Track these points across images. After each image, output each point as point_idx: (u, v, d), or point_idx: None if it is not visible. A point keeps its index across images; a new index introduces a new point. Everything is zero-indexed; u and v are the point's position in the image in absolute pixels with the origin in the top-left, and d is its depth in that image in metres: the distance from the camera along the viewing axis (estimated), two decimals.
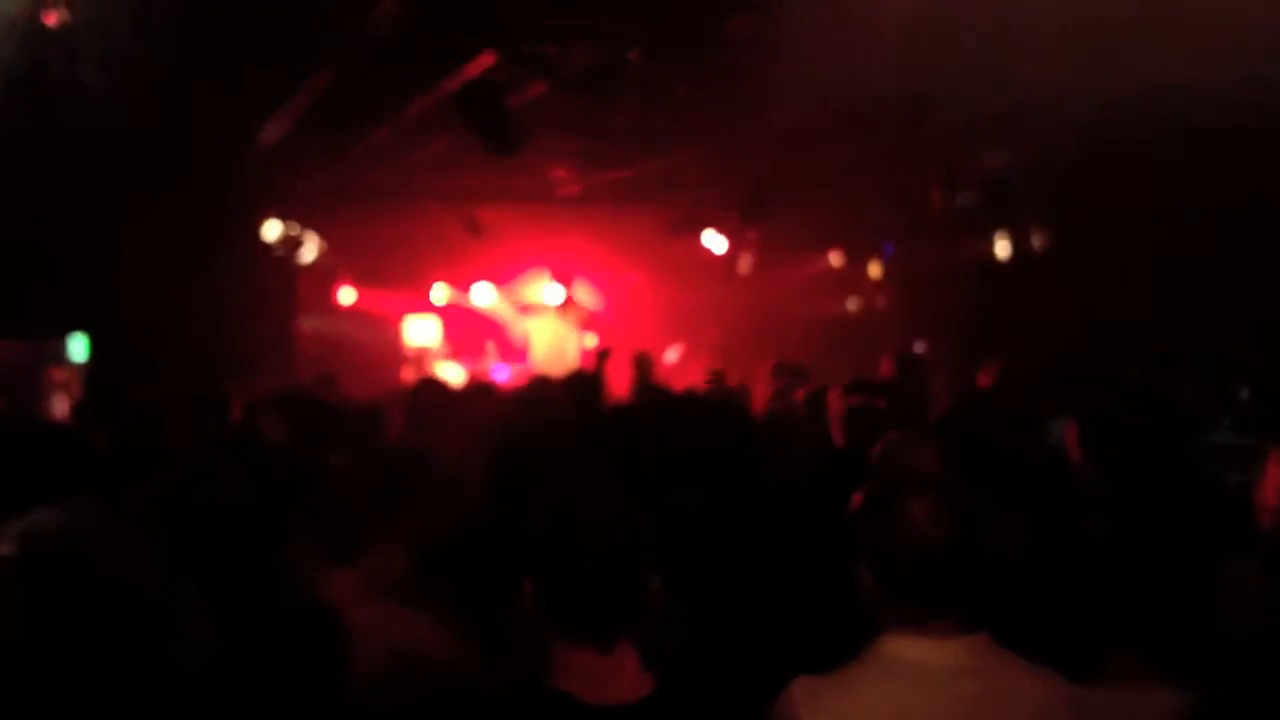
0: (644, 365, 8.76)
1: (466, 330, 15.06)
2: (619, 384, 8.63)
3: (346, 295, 15.44)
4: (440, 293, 15.39)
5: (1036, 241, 11.70)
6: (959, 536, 2.27)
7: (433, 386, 6.12)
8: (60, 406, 9.93)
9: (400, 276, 15.73)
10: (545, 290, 14.40)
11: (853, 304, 15.56)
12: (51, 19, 5.97)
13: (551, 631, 2.08)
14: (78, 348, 11.56)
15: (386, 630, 2.65)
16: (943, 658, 2.24)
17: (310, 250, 12.53)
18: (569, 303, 14.17)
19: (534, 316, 14.38)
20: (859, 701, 2.22)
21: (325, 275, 14.83)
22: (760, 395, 7.66)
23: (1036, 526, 3.32)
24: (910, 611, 2.28)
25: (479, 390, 6.63)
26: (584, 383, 7.03)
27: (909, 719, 2.20)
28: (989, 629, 2.31)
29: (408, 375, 13.38)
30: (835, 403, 5.65)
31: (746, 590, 3.21)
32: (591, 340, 14.30)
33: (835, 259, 15.42)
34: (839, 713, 2.21)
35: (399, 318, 15.66)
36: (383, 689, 2.49)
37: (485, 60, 7.26)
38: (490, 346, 14.86)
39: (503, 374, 13.77)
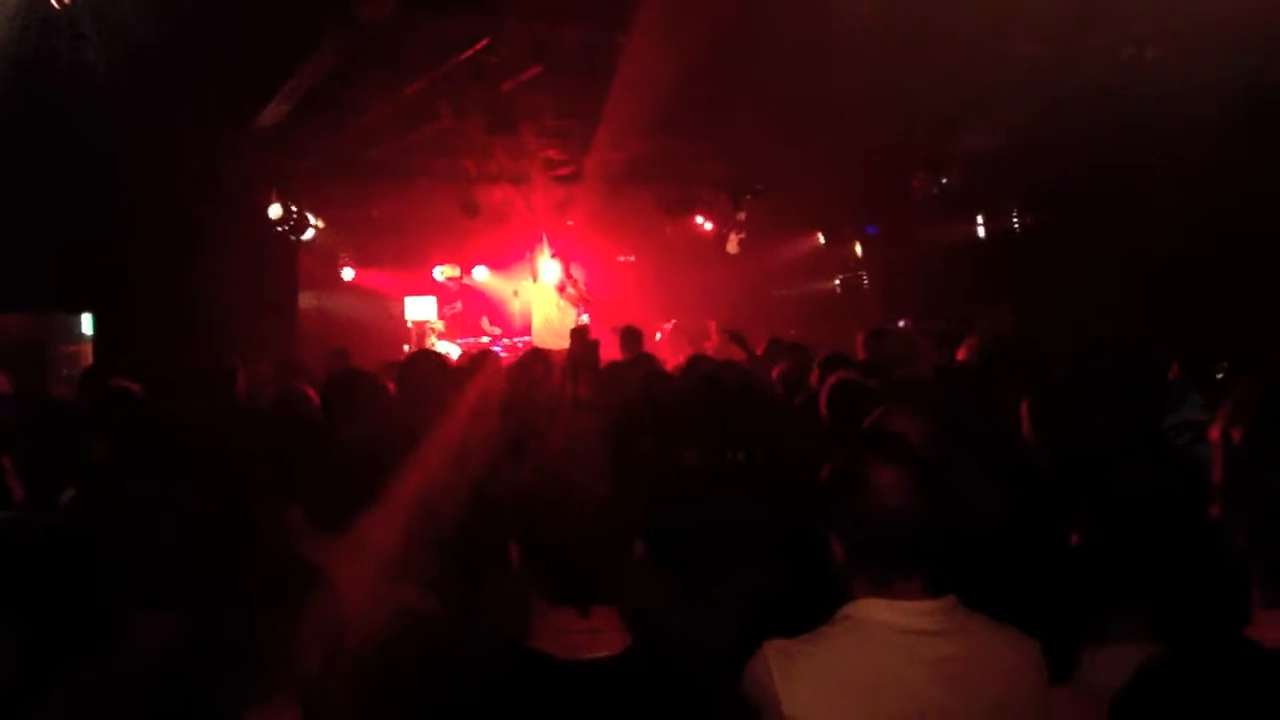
0: (634, 337, 8.92)
1: (465, 307, 15.24)
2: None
3: (347, 273, 15.71)
4: (439, 271, 15.62)
5: (1015, 222, 11.89)
6: (922, 501, 2.31)
7: (424, 359, 6.26)
8: (68, 380, 10.17)
9: (399, 255, 16.00)
10: (542, 267, 14.58)
11: (837, 282, 15.82)
12: (56, 1, 6.04)
13: (533, 591, 2.11)
14: (85, 323, 11.84)
15: (375, 595, 2.63)
16: (912, 620, 2.28)
17: (311, 229, 12.71)
18: (565, 280, 14.36)
19: (531, 293, 14.55)
20: (831, 663, 2.26)
21: (326, 254, 15.08)
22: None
23: (1014, 496, 3.31)
24: (878, 574, 2.32)
25: (475, 361, 6.66)
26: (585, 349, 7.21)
27: (880, 679, 2.23)
28: (965, 592, 2.35)
29: (408, 351, 13.56)
30: (815, 378, 5.91)
31: (730, 554, 3.22)
32: (586, 318, 14.51)
33: (820, 239, 15.68)
34: (811, 674, 2.24)
35: (399, 295, 15.88)
36: (373, 652, 2.46)
37: (479, 44, 7.41)
38: (485, 323, 15.06)
39: (499, 349, 14.00)
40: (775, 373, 6.69)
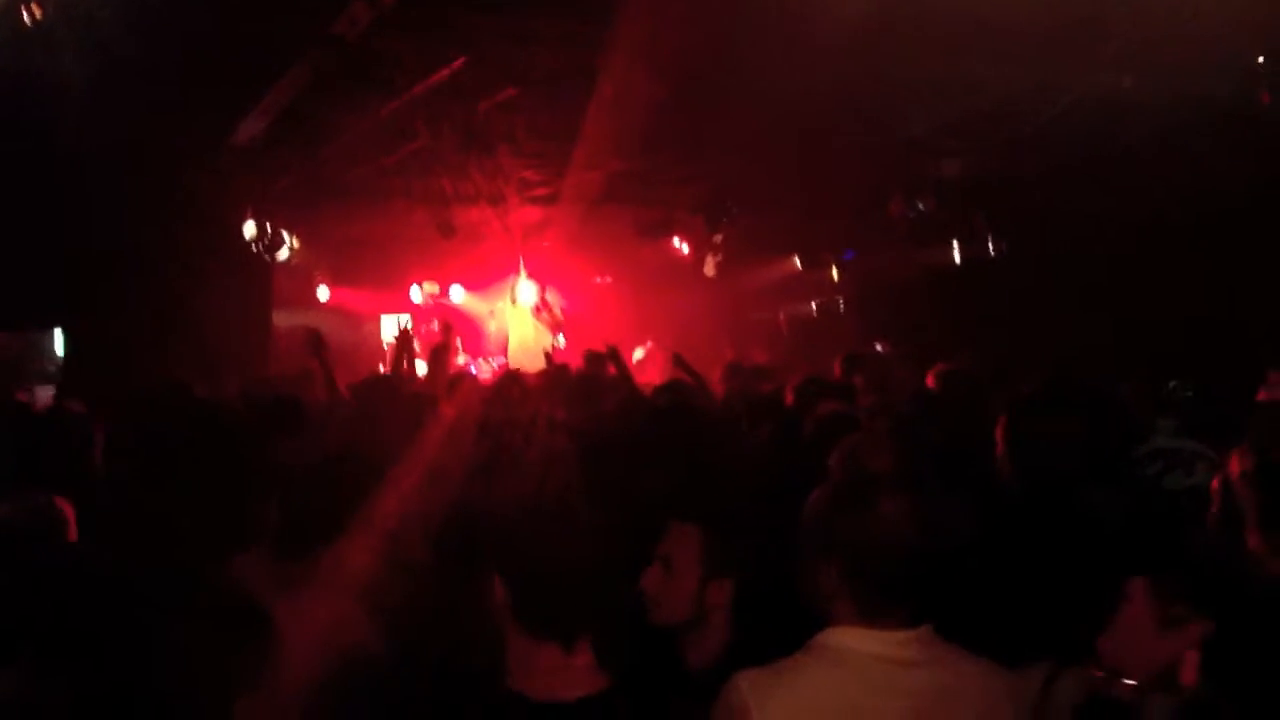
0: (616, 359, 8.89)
1: (440, 327, 15.16)
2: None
3: (322, 292, 15.63)
4: (417, 291, 15.58)
5: (990, 247, 11.95)
6: (926, 535, 2.33)
7: (379, 383, 6.24)
8: (43, 396, 10.07)
9: (375, 275, 15.93)
10: (519, 289, 14.56)
11: (814, 306, 15.87)
12: (30, 15, 6.00)
13: (514, 626, 2.06)
14: (58, 341, 11.73)
15: (330, 628, 2.58)
16: (889, 649, 2.27)
17: (286, 249, 12.64)
18: (541, 302, 14.35)
19: (507, 314, 14.54)
20: (807, 693, 2.23)
21: (301, 273, 14.99)
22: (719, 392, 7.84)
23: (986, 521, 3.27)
24: (871, 602, 2.31)
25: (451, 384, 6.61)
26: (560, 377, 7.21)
27: (857, 709, 2.21)
28: (933, 620, 2.35)
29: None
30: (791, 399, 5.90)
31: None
32: (561, 340, 14.50)
33: (797, 263, 15.73)
34: (787, 704, 2.21)
35: (375, 314, 15.82)
36: (323, 690, 2.41)
37: (455, 64, 7.41)
38: (459, 343, 15.01)
39: (476, 370, 13.96)
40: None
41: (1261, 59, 7.22)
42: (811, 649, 2.32)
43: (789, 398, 6.07)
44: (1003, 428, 3.52)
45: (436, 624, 2.83)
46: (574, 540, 2.04)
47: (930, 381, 7.92)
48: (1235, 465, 3.00)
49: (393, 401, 5.26)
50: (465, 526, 3.23)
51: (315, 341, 6.68)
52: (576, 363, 8.83)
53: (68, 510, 3.07)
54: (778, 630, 2.46)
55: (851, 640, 2.30)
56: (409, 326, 10.41)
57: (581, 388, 6.59)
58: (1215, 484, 3.26)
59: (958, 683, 2.28)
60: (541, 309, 14.20)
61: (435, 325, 15.04)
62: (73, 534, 3.05)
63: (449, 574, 2.95)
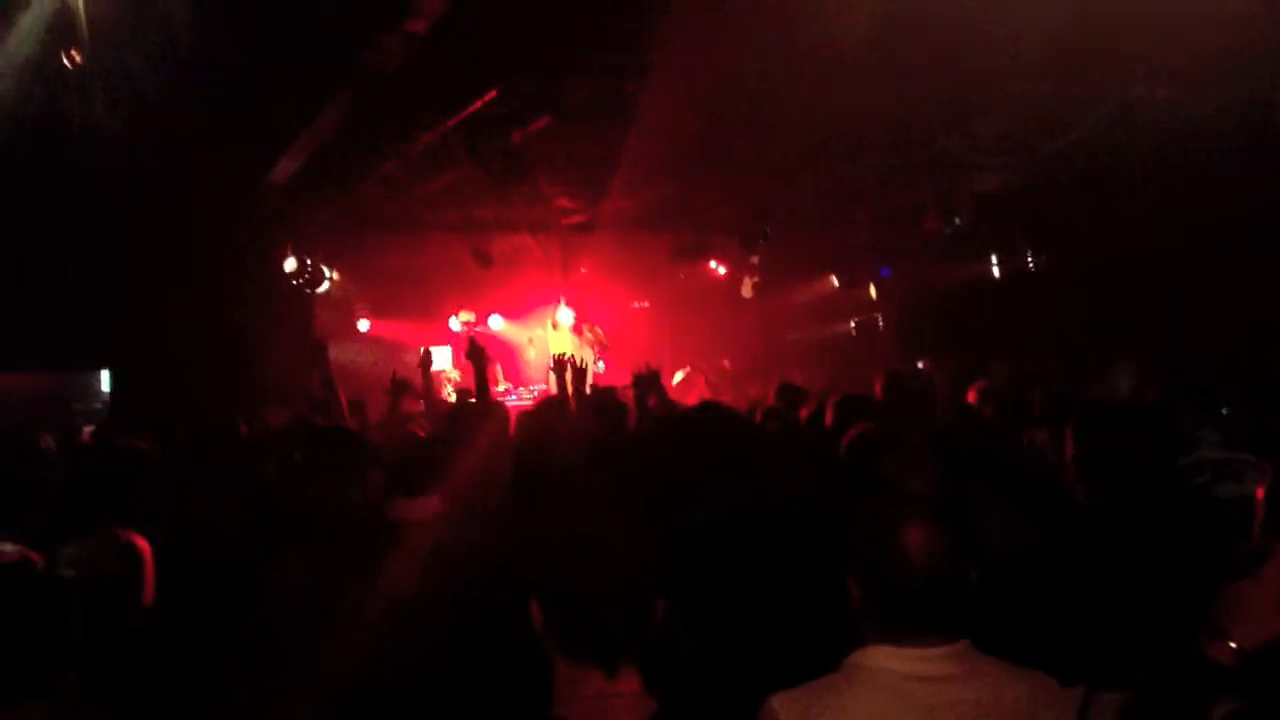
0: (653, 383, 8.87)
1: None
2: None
3: (363, 324, 15.75)
4: (455, 321, 15.66)
5: (1029, 261, 11.90)
6: (948, 563, 2.27)
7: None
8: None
9: (414, 306, 16.03)
10: (559, 314, 14.60)
11: (853, 325, 15.83)
12: (68, 61, 6.09)
13: (558, 654, 2.03)
14: (103, 381, 11.89)
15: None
16: (923, 666, 2.24)
17: (326, 281, 12.76)
18: (580, 326, 14.38)
19: (549, 340, 14.57)
20: (840, 711, 2.20)
21: (342, 305, 15.12)
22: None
23: (1030, 538, 3.27)
24: (893, 626, 2.29)
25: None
26: (606, 401, 7.23)
27: None
28: (978, 635, 2.31)
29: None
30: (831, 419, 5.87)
31: (753, 610, 3.17)
32: (601, 365, 14.52)
33: (835, 281, 15.71)
34: None
35: (415, 345, 15.88)
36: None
37: (489, 95, 7.46)
38: (499, 371, 15.06)
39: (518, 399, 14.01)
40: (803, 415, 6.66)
41: None
42: (845, 669, 2.30)
43: (828, 418, 6.05)
44: (1073, 437, 3.47)
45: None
46: (606, 562, 2.01)
47: (971, 398, 7.89)
48: None
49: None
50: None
51: (320, 353, 6.83)
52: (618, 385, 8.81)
53: (144, 546, 3.10)
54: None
55: (884, 659, 2.26)
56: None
57: (616, 411, 6.60)
58: (1260, 493, 3.25)
59: (998, 697, 2.23)
60: (584, 328, 14.22)
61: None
62: (149, 571, 3.08)
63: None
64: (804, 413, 6.78)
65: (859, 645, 2.33)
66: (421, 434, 5.89)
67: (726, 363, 15.95)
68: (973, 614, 2.34)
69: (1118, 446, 3.26)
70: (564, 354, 7.84)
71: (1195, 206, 9.05)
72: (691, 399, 12.45)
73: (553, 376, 13.20)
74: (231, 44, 6.27)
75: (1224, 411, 6.42)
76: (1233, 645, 1.93)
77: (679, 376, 14.98)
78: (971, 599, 2.34)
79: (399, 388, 7.41)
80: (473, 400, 6.67)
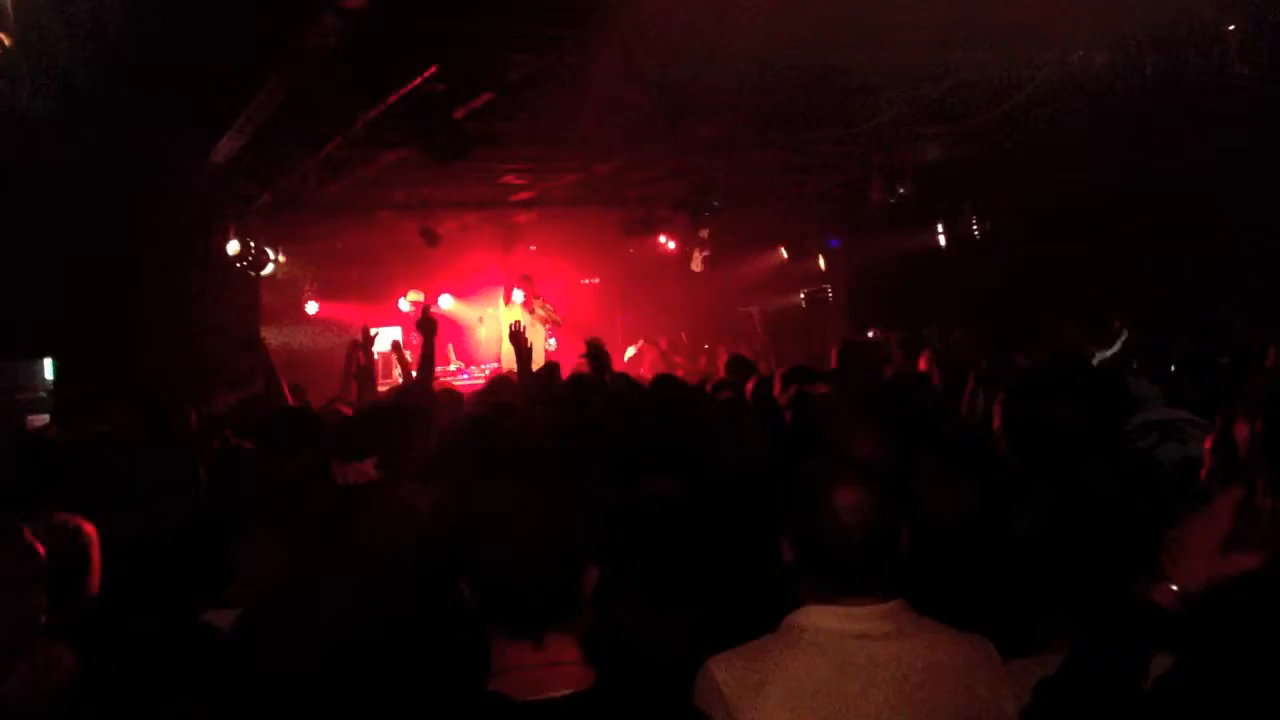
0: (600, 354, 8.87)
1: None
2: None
3: (311, 307, 15.62)
4: (404, 301, 15.57)
5: (974, 228, 12.01)
6: (877, 524, 2.31)
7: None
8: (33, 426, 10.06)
9: (363, 288, 15.93)
10: (510, 291, 14.58)
11: (802, 296, 15.93)
12: None
13: (489, 627, 2.02)
14: (46, 369, 11.72)
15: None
16: (859, 624, 2.28)
17: (271, 264, 12.62)
18: (530, 302, 14.36)
19: (500, 317, 14.55)
20: (780, 672, 2.23)
21: (289, 288, 14.99)
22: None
23: (973, 502, 3.29)
24: (826, 586, 2.34)
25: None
26: (551, 375, 7.27)
27: (830, 685, 2.22)
28: (914, 596, 2.35)
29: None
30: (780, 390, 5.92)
31: (698, 576, 3.22)
32: (553, 342, 14.53)
33: (784, 253, 15.79)
34: (760, 684, 2.22)
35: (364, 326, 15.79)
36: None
37: (428, 72, 7.38)
38: (451, 350, 15.02)
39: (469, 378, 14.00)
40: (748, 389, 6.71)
41: (1231, 28, 7.24)
42: (781, 630, 2.34)
43: (777, 387, 6.10)
44: (1001, 410, 3.53)
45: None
46: (530, 532, 2.00)
47: (922, 365, 7.99)
48: (1241, 428, 2.98)
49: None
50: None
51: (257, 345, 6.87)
52: (569, 362, 8.83)
53: (91, 532, 3.08)
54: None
55: (820, 619, 2.31)
56: (383, 337, 10.29)
57: (570, 388, 6.63)
58: (1208, 445, 3.29)
59: (934, 653, 2.28)
60: (534, 304, 14.20)
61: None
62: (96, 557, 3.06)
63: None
64: (750, 385, 6.83)
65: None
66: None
67: (684, 335, 16.02)
68: (908, 576, 2.37)
69: (1041, 412, 3.30)
70: (518, 322, 7.86)
71: (1137, 169, 9.17)
72: (644, 372, 12.50)
73: (506, 346, 13.31)
74: (164, 24, 6.17)
75: (1172, 369, 6.55)
76: (1173, 588, 1.95)
77: (631, 351, 15.01)
78: (905, 560, 2.37)
79: (363, 374, 7.42)
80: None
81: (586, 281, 17.67)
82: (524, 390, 6.76)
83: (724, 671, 2.26)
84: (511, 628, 1.99)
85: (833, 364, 7.55)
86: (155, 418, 6.23)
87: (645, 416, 4.88)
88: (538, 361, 7.71)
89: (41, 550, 2.57)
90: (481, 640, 2.02)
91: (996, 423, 3.55)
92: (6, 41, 5.94)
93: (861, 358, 7.58)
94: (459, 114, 8.06)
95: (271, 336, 13.79)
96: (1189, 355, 6.50)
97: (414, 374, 7.30)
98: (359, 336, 7.85)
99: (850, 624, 2.28)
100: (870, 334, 12.44)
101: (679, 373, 10.52)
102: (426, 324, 6.18)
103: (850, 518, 2.30)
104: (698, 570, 3.25)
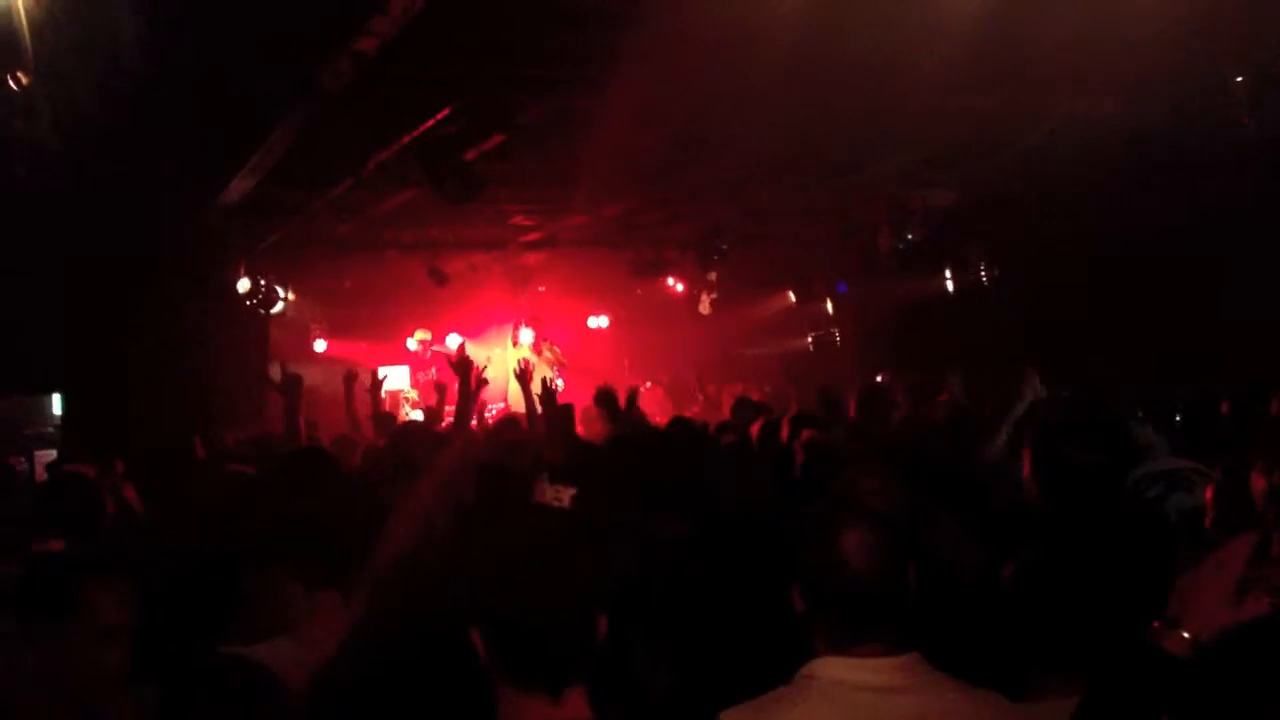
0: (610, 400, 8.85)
1: (439, 375, 15.20)
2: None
3: (319, 345, 15.65)
4: (412, 340, 15.60)
5: (983, 274, 12.01)
6: (888, 569, 2.28)
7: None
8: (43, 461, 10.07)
9: (371, 326, 15.97)
10: (519, 332, 14.60)
11: (810, 340, 15.92)
12: (13, 83, 6.01)
13: (500, 680, 1.97)
14: (55, 404, 11.75)
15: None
16: (874, 677, 2.23)
17: (281, 302, 12.67)
18: (539, 344, 14.38)
19: (508, 358, 14.55)
20: None
21: (297, 326, 15.02)
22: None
23: (984, 551, 3.24)
24: (838, 634, 2.30)
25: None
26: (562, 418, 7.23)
27: None
28: (927, 648, 2.31)
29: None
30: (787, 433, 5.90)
31: (707, 625, 3.17)
32: (560, 383, 14.51)
33: (792, 297, 15.81)
34: None
35: (372, 365, 15.82)
36: None
37: (440, 114, 7.43)
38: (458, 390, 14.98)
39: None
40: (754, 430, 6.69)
41: (1240, 79, 7.27)
42: (795, 681, 2.29)
43: (784, 431, 6.09)
44: (1031, 453, 3.50)
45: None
46: (545, 584, 1.95)
47: (932, 411, 7.94)
48: (1259, 480, 2.97)
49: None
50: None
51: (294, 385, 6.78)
52: (577, 406, 8.82)
53: None
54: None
55: (834, 670, 2.26)
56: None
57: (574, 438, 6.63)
58: (1209, 495, 3.27)
59: (945, 707, 2.24)
60: (542, 346, 14.22)
61: (433, 373, 15.06)
62: None
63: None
64: (755, 427, 6.80)
65: (811, 659, 2.33)
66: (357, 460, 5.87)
67: (695, 378, 15.99)
68: (919, 623, 2.34)
69: (1074, 462, 3.30)
70: (525, 360, 7.85)
71: (1146, 216, 9.16)
72: (660, 416, 12.48)
73: (513, 386, 13.31)
74: (180, 64, 6.22)
75: (1177, 419, 6.50)
76: (1185, 635, 1.90)
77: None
78: (913, 606, 2.34)
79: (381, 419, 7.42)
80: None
81: (594, 323, 17.69)
82: (543, 423, 6.75)
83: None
84: (526, 682, 1.93)
85: (851, 410, 7.51)
86: (157, 455, 6.23)
87: (655, 459, 4.85)
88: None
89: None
90: (489, 696, 1.98)
91: (1026, 470, 3.53)
92: (25, 79, 5.98)
93: (881, 402, 7.56)
94: (470, 155, 8.10)
95: (278, 374, 13.81)
96: (1190, 403, 6.47)
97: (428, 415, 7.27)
98: (354, 370, 7.86)
99: (865, 676, 2.24)
100: (879, 379, 12.40)
101: (690, 413, 10.51)
102: (463, 365, 6.13)
103: (857, 561, 2.28)
104: (708, 619, 3.20)
